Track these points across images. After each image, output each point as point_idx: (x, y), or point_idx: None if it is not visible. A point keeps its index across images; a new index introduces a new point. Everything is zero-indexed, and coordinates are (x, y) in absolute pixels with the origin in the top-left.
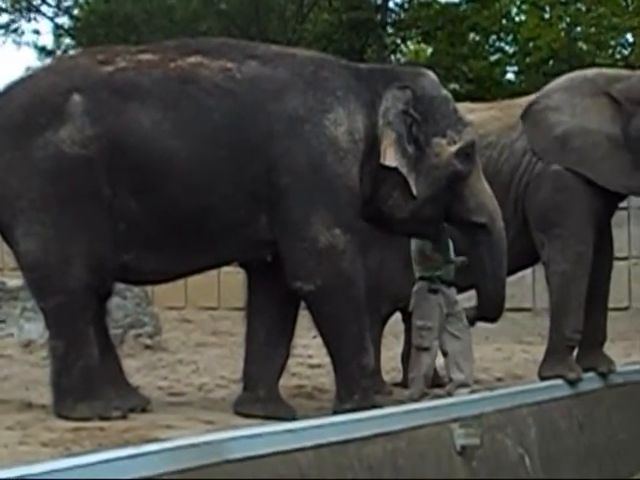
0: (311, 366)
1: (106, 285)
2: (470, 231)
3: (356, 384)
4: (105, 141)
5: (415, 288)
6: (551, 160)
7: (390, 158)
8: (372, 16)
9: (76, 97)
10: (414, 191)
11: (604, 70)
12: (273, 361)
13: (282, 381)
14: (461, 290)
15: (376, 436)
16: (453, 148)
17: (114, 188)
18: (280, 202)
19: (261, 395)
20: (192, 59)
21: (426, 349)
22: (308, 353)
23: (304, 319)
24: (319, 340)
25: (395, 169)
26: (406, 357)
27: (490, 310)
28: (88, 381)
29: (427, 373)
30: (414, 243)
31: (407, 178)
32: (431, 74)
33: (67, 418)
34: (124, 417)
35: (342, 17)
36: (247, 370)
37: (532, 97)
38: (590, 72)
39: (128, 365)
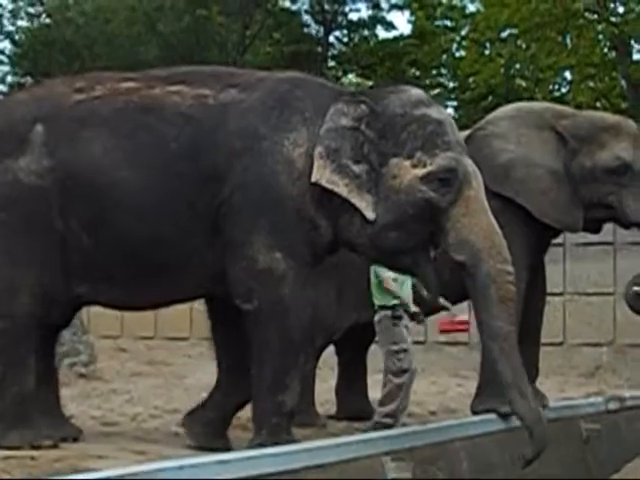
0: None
1: (53, 316)
2: (460, 270)
3: (266, 420)
4: (59, 172)
5: (377, 318)
6: (492, 187)
7: (314, 173)
8: (313, 49)
9: (39, 127)
10: (368, 215)
11: (551, 105)
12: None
13: None
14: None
15: (308, 468)
16: (419, 172)
17: (66, 220)
18: (227, 218)
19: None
20: (173, 88)
21: (405, 371)
22: None
23: None
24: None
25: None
26: (341, 389)
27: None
28: (21, 409)
29: (404, 400)
30: (373, 273)
31: (348, 198)
32: (413, 92)
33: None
34: (55, 446)
35: (283, 49)
36: (212, 391)
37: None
38: (537, 105)
39: (62, 394)
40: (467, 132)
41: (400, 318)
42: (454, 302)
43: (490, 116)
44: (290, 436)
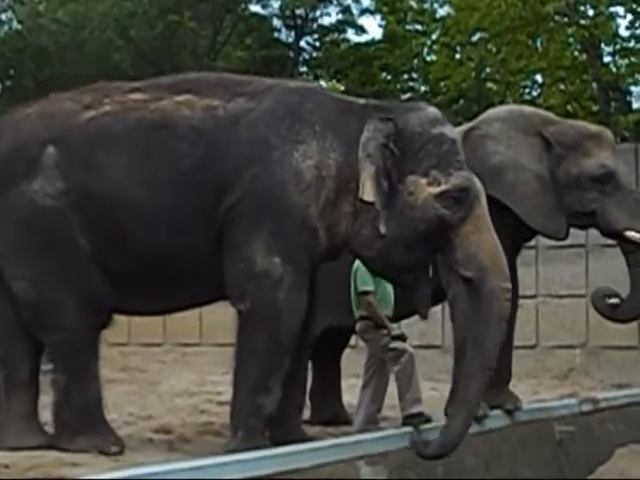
0: (220, 403)
1: (103, 323)
2: (464, 284)
3: (244, 421)
4: (75, 194)
5: (361, 327)
6: (484, 188)
7: (368, 193)
8: (284, 54)
9: (50, 149)
10: (382, 229)
11: (539, 110)
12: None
13: (190, 418)
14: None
15: (282, 473)
16: (434, 190)
17: (88, 238)
18: (232, 222)
19: None
20: (181, 98)
21: (403, 352)
22: (217, 390)
23: (212, 355)
24: (229, 377)
25: (371, 204)
26: (315, 394)
27: (472, 394)
28: (88, 417)
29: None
30: (352, 285)
31: (380, 213)
32: (430, 110)
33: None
34: (121, 452)
35: (255, 54)
36: None
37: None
38: (527, 109)
39: (39, 401)
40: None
41: (381, 327)
42: (403, 317)
43: (484, 116)
44: (265, 441)
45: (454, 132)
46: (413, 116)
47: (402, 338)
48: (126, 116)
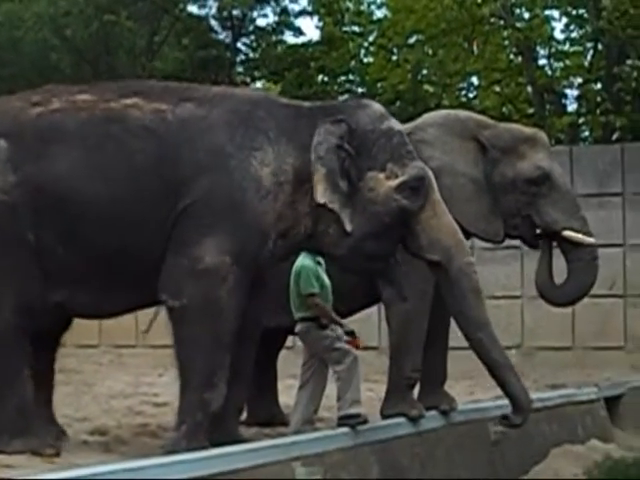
0: (156, 404)
1: (39, 325)
2: (431, 270)
3: (190, 415)
4: (27, 187)
5: (302, 328)
6: None
7: (319, 194)
8: (222, 55)
9: (2, 143)
10: (348, 227)
11: (474, 114)
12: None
13: (126, 420)
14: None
15: (219, 474)
16: (393, 182)
17: (39, 232)
18: (183, 223)
19: None
20: (128, 101)
21: (347, 353)
22: (153, 391)
23: (148, 357)
24: (165, 378)
25: (324, 205)
26: (251, 395)
27: (500, 358)
28: (23, 419)
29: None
30: (293, 287)
31: (339, 214)
32: (375, 106)
33: (1, 452)
34: (57, 454)
35: (192, 55)
36: None
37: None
38: (462, 114)
39: None
40: None
41: (325, 327)
42: (355, 310)
43: (419, 121)
44: (205, 442)
45: (399, 125)
46: (362, 114)
47: (353, 334)
48: (76, 113)
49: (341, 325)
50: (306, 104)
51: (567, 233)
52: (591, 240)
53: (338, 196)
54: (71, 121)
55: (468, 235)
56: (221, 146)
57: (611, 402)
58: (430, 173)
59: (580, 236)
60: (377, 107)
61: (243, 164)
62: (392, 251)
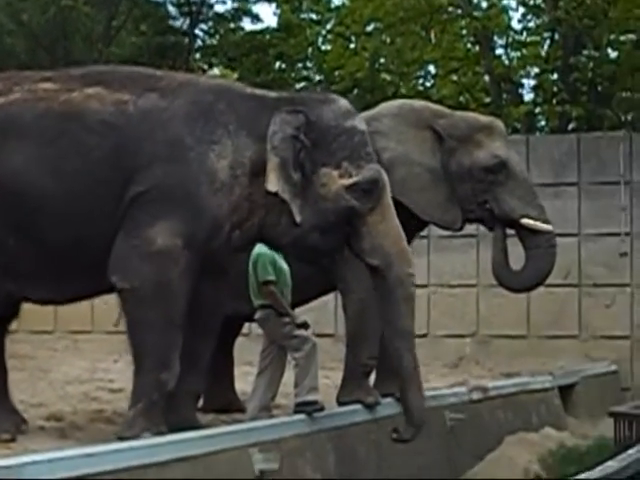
0: (112, 390)
1: None
2: (370, 274)
3: (146, 395)
4: None
5: (261, 315)
6: None
7: (271, 183)
8: (179, 41)
9: None
10: (297, 218)
11: (429, 104)
12: None
13: (82, 406)
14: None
15: (175, 461)
16: (346, 182)
17: None
18: (135, 208)
19: None
20: (91, 90)
21: (306, 340)
22: (109, 377)
23: (104, 343)
24: (120, 364)
25: (275, 194)
26: (208, 382)
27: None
28: None
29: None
30: (251, 274)
31: (290, 204)
32: (341, 102)
33: None
34: (13, 439)
35: (149, 41)
36: None
37: None
38: (417, 103)
39: None
40: None
41: (283, 315)
42: (311, 298)
43: (374, 112)
44: (161, 424)
45: (363, 124)
46: (327, 109)
47: (305, 326)
48: (35, 105)
49: (292, 317)
50: (272, 95)
51: (524, 221)
52: (548, 227)
53: (290, 187)
54: (28, 115)
55: (424, 224)
56: (180, 138)
57: (565, 390)
58: (385, 177)
59: (537, 223)
60: (343, 103)
61: (201, 157)
62: (336, 248)
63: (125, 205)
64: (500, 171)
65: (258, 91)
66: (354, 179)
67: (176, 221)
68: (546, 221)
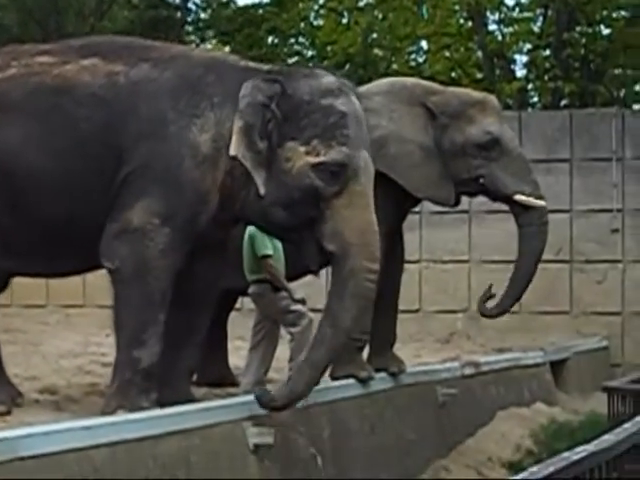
0: (105, 364)
1: None
2: (330, 259)
3: (120, 374)
4: None
5: (257, 290)
6: None
7: (233, 147)
8: (172, 15)
9: None
10: (261, 190)
11: (421, 81)
12: None
13: (75, 379)
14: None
15: (170, 434)
16: (312, 160)
17: None
18: (122, 190)
19: None
20: (87, 62)
21: (302, 316)
22: (102, 351)
23: (95, 317)
24: (112, 339)
25: (235, 158)
26: (202, 355)
27: (319, 355)
28: None
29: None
30: (247, 249)
31: (251, 172)
32: (325, 80)
33: None
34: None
35: (142, 15)
36: None
37: None
38: (409, 81)
39: None
40: None
41: (279, 290)
42: (303, 274)
43: (364, 89)
44: (143, 398)
45: (349, 105)
46: (305, 83)
47: (302, 302)
48: (27, 80)
49: (290, 292)
50: (265, 67)
51: (518, 197)
52: (541, 203)
53: (252, 154)
54: (20, 90)
55: (417, 201)
56: (163, 113)
57: (556, 366)
58: (361, 162)
59: (530, 199)
60: (328, 81)
61: (183, 131)
62: (301, 225)
63: (117, 185)
64: (493, 147)
65: (252, 64)
66: (321, 158)
67: (155, 199)
68: (540, 197)
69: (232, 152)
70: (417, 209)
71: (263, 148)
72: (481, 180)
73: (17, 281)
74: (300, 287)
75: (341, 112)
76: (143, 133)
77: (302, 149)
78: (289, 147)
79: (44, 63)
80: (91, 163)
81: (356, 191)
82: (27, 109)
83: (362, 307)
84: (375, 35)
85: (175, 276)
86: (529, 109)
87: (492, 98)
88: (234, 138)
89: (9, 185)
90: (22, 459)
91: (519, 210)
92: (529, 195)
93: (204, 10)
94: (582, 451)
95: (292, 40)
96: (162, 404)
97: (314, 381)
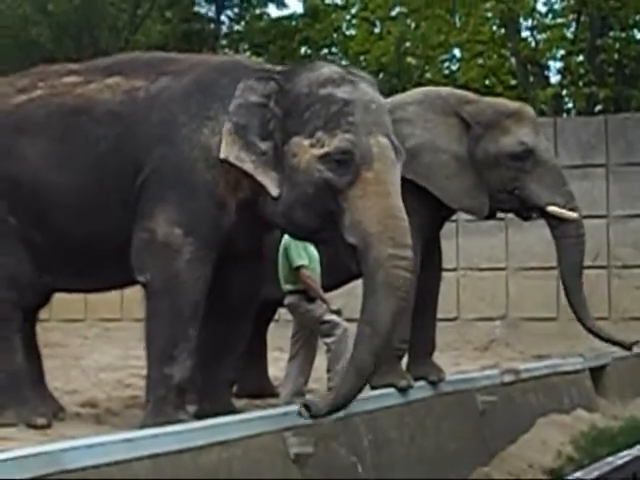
0: (144, 377)
1: (27, 300)
2: (355, 254)
3: (153, 392)
4: (2, 179)
5: (292, 301)
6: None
7: (222, 149)
8: (205, 27)
9: None
10: (273, 192)
11: (456, 90)
12: None
13: (116, 392)
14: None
15: (212, 445)
16: (317, 152)
17: (17, 219)
18: (140, 197)
19: None
20: (110, 80)
21: (336, 325)
22: (141, 364)
23: (134, 330)
24: None
25: (225, 161)
26: (242, 366)
27: (360, 357)
28: (15, 388)
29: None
30: (282, 260)
31: (255, 176)
32: (324, 70)
33: None
34: (49, 425)
35: (175, 29)
36: None
37: None
38: (444, 90)
39: None
40: None
41: (314, 300)
42: (341, 283)
43: (397, 99)
44: (180, 412)
45: (353, 93)
46: (304, 76)
47: (338, 312)
48: (50, 101)
49: (327, 303)
50: (277, 68)
51: (550, 208)
52: (574, 215)
53: (255, 156)
54: (41, 112)
55: (453, 210)
56: (174, 117)
57: (595, 372)
58: (373, 148)
59: (564, 211)
60: (327, 71)
61: (194, 134)
62: (324, 225)
63: (136, 193)
64: (527, 158)
65: (268, 66)
66: (325, 149)
67: (172, 207)
68: (573, 209)
69: (221, 155)
70: (453, 217)
71: (267, 149)
72: (516, 191)
73: (56, 296)
74: (337, 297)
75: (343, 100)
76: (155, 138)
77: (307, 142)
78: (294, 143)
79: (68, 83)
80: (110, 176)
81: (368, 178)
82: (47, 130)
83: (399, 298)
84: (408, 44)
85: (209, 286)
86: (564, 115)
87: (528, 109)
88: (223, 141)
89: (34, 204)
90: (67, 472)
91: (554, 222)
92: (563, 207)
93: (237, 22)
94: (626, 455)
95: (325, 50)
96: (203, 416)
97: (359, 385)
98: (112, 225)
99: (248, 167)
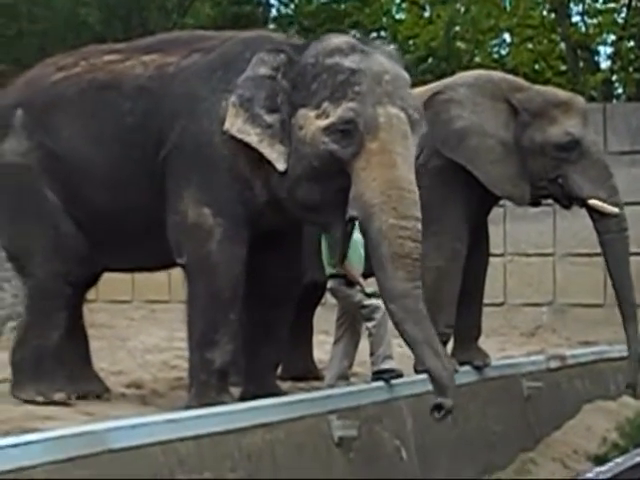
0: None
1: (75, 275)
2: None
3: (196, 376)
4: (39, 153)
5: (333, 285)
6: (445, 152)
7: (227, 122)
8: (254, 10)
9: (19, 111)
10: (279, 166)
11: (508, 76)
12: None
13: (161, 374)
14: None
15: (255, 427)
16: (322, 123)
17: (55, 193)
18: (165, 175)
19: None
20: (147, 57)
21: (376, 309)
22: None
23: (180, 312)
24: None
25: (227, 133)
26: (286, 350)
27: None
28: (39, 362)
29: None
30: (324, 243)
31: (259, 149)
32: (332, 40)
33: (17, 398)
34: (67, 403)
35: (225, 11)
36: None
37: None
38: (496, 75)
39: (4, 358)
40: (420, 90)
41: (353, 285)
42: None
43: (450, 81)
44: (223, 395)
45: (362, 62)
46: (311, 47)
47: (374, 295)
48: (82, 78)
49: (362, 286)
50: (302, 41)
51: (591, 202)
52: (615, 210)
53: (260, 129)
54: (73, 89)
55: (499, 197)
56: (196, 90)
57: None
58: (379, 118)
59: (605, 205)
60: (336, 41)
61: (213, 107)
62: (329, 203)
63: (158, 170)
64: (573, 149)
65: (293, 40)
66: (329, 119)
67: (197, 187)
68: (615, 204)
69: (225, 127)
70: (501, 202)
71: (274, 121)
72: (559, 180)
73: (103, 277)
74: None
75: (350, 69)
76: (176, 112)
77: (313, 114)
78: (301, 115)
79: (107, 61)
80: (138, 151)
81: (373, 149)
82: (78, 106)
83: (410, 266)
84: (457, 28)
85: (245, 267)
86: (614, 101)
87: (579, 99)
88: (228, 113)
89: (69, 179)
90: (111, 451)
91: (596, 216)
92: (605, 201)
93: (286, 6)
94: None
95: (374, 34)
96: (247, 398)
97: (438, 350)
98: (142, 201)
99: (252, 140)
